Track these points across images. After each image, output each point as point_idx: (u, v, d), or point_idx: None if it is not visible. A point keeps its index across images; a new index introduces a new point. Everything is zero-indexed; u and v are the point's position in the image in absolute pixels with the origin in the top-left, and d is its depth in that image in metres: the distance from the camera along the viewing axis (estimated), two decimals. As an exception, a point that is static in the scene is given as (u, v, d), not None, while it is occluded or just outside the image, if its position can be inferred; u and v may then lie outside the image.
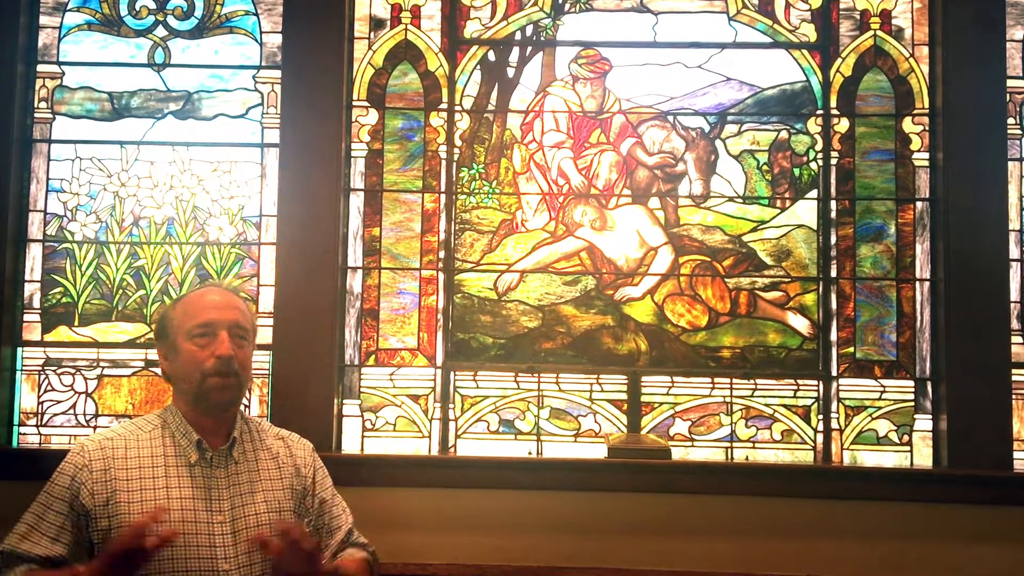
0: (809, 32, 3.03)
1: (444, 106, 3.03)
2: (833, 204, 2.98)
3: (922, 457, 2.90)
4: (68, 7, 3.08)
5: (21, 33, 3.02)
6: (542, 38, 3.07)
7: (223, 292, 2.14)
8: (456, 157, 3.02)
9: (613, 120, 3.05)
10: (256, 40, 3.07)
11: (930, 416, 2.91)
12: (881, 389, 2.93)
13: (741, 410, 2.94)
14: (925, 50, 3.01)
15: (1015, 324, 2.91)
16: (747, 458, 2.92)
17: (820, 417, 2.92)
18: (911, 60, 3.00)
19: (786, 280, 2.98)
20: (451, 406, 2.95)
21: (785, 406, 2.94)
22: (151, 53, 3.07)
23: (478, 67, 3.05)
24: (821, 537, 2.77)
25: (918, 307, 2.94)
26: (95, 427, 2.93)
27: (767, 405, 2.94)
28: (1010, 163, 2.93)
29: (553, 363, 2.96)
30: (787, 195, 3.01)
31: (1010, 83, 2.95)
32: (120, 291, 2.99)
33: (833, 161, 2.99)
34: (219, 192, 3.02)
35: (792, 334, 2.97)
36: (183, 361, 2.02)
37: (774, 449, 2.93)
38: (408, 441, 2.94)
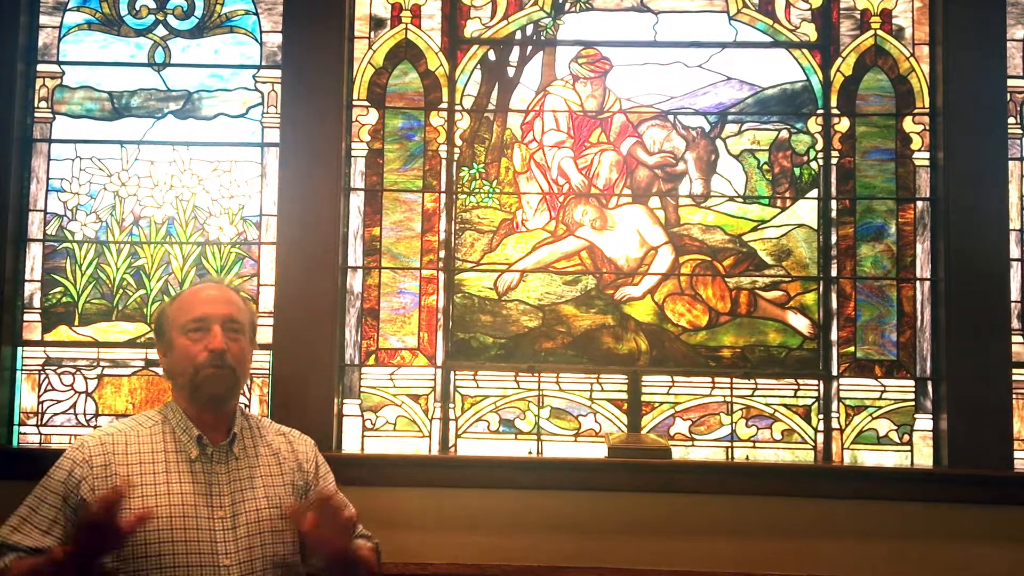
0: (809, 31, 3.03)
1: (444, 106, 3.03)
2: (833, 203, 2.98)
3: (922, 457, 2.90)
4: (68, 7, 3.08)
5: (21, 32, 3.02)
6: (542, 37, 3.07)
7: (219, 287, 2.15)
8: (456, 157, 3.02)
9: (613, 119, 3.05)
10: (256, 40, 3.07)
11: (930, 416, 2.91)
12: (881, 389, 2.93)
13: (741, 410, 2.94)
14: (925, 49, 3.00)
15: (1015, 324, 2.90)
16: (747, 458, 2.92)
17: (820, 417, 2.92)
18: (911, 59, 3.00)
19: (786, 280, 2.98)
20: (451, 406, 2.95)
21: (785, 406, 2.94)
22: (151, 53, 3.07)
23: (478, 66, 3.05)
24: (821, 537, 2.77)
25: (918, 307, 2.94)
26: (95, 427, 2.92)
27: (767, 405, 2.94)
28: (1010, 162, 2.93)
29: (553, 363, 2.96)
30: (787, 195, 3.01)
31: (1010, 82, 2.95)
32: (120, 291, 2.99)
33: (833, 160, 2.99)
34: (219, 192, 3.02)
35: (792, 334, 2.97)
36: (178, 356, 2.03)
37: (774, 449, 2.93)
38: (408, 441, 2.94)
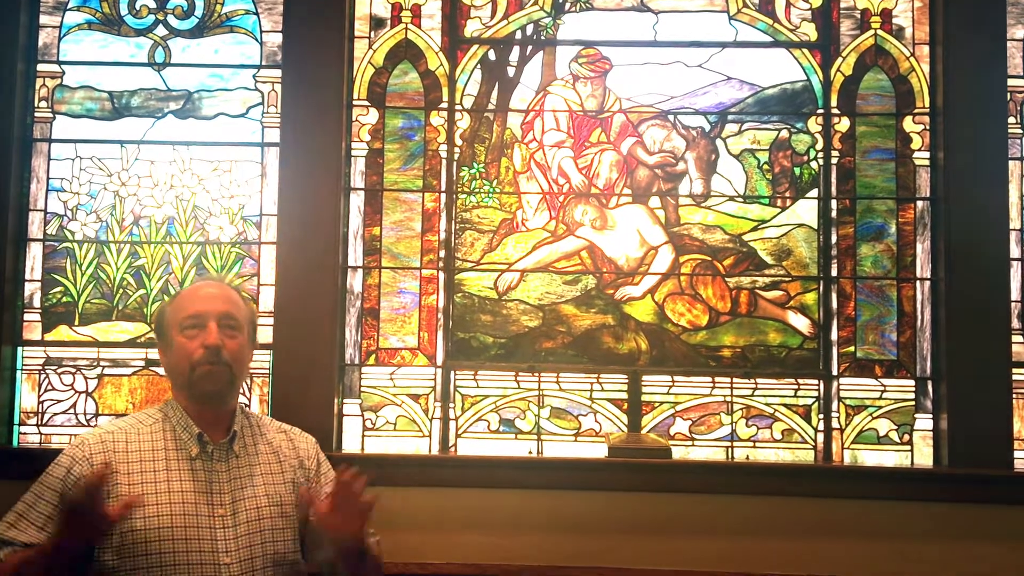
0: (810, 31, 3.03)
1: (444, 105, 3.03)
2: (834, 203, 2.98)
3: (923, 456, 2.90)
4: (68, 6, 3.07)
5: (21, 32, 3.02)
6: (542, 37, 3.07)
7: (218, 285, 2.16)
8: (456, 156, 3.02)
9: (613, 119, 3.05)
10: (256, 39, 3.07)
11: (931, 415, 2.91)
12: (882, 388, 2.93)
13: (741, 409, 2.94)
14: (926, 49, 3.00)
15: (1016, 323, 2.90)
16: (748, 457, 2.92)
17: (821, 416, 2.92)
18: (912, 59, 3.00)
19: (787, 279, 2.98)
20: (451, 405, 2.95)
21: (786, 405, 2.93)
22: (151, 52, 3.07)
23: (478, 66, 3.05)
24: (821, 536, 2.76)
25: (919, 306, 2.94)
26: (95, 427, 2.92)
27: (768, 404, 2.94)
28: (1011, 162, 2.93)
29: (553, 362, 2.96)
30: (788, 194, 3.01)
31: (1011, 82, 2.94)
32: (120, 290, 2.99)
33: (834, 160, 2.99)
34: (219, 191, 3.02)
35: (792, 333, 2.96)
36: (175, 354, 2.03)
37: (775, 448, 2.93)
38: (408, 440, 2.94)
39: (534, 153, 3.03)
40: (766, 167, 3.01)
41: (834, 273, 2.96)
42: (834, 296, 2.95)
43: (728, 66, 3.04)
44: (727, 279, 2.98)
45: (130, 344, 2.97)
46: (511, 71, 3.07)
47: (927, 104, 2.98)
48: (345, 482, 1.91)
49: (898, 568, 2.74)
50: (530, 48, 3.07)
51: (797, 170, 3.01)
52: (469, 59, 3.05)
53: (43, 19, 3.06)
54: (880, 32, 3.01)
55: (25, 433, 2.96)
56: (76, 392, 2.96)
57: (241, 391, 2.30)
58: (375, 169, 3.02)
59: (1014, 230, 2.92)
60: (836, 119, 2.99)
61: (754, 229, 3.00)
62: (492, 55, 3.07)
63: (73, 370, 2.97)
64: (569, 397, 2.95)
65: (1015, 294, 2.90)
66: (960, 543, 2.74)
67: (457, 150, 3.02)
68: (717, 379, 2.94)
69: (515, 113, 3.04)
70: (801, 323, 2.96)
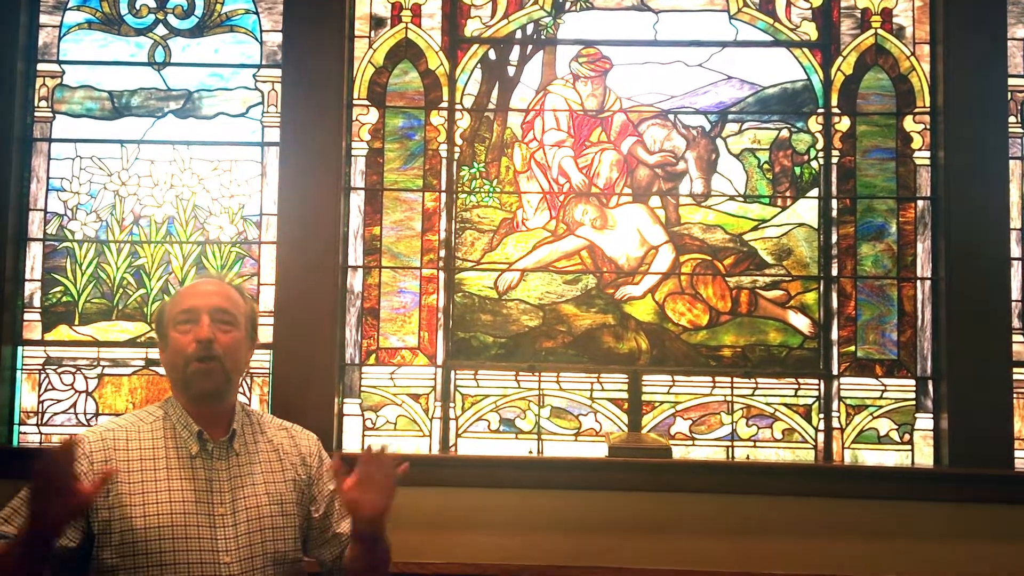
0: (810, 30, 3.03)
1: (445, 105, 3.03)
2: (834, 203, 2.98)
3: (923, 456, 2.90)
4: (68, 6, 3.07)
5: (21, 32, 3.02)
6: (543, 36, 3.07)
7: (215, 282, 2.15)
8: (457, 156, 3.02)
9: (614, 119, 3.05)
10: (256, 39, 3.07)
11: (931, 415, 2.91)
12: (882, 388, 2.93)
13: (742, 409, 2.93)
14: (926, 48, 3.00)
15: (1016, 323, 2.90)
16: (748, 457, 2.92)
17: (821, 416, 2.92)
18: (912, 59, 3.00)
19: (787, 279, 2.98)
20: (452, 405, 2.95)
21: (786, 405, 2.93)
22: (151, 52, 3.07)
23: (479, 66, 3.05)
24: (822, 536, 2.76)
25: (919, 306, 2.94)
26: (95, 425, 2.92)
27: (768, 404, 2.93)
28: (1011, 161, 2.93)
29: (554, 362, 2.96)
30: (788, 194, 3.00)
31: (1011, 81, 2.94)
32: (120, 290, 2.99)
33: (834, 160, 2.99)
34: (219, 191, 3.02)
35: (793, 333, 2.96)
36: (171, 351, 2.03)
37: (775, 448, 2.93)
38: (409, 440, 2.94)
39: (534, 152, 3.03)
40: (766, 166, 3.01)
41: (834, 273, 2.96)
42: (834, 296, 2.95)
43: (728, 65, 3.04)
44: (727, 279, 2.98)
45: (130, 344, 2.97)
46: (511, 70, 3.07)
47: (927, 104, 2.98)
48: (373, 456, 1.90)
49: (899, 567, 2.74)
50: (530, 47, 3.07)
51: (797, 169, 3.01)
52: (469, 58, 3.05)
53: (43, 19, 3.07)
54: (880, 31, 3.01)
55: (25, 433, 2.96)
56: (76, 392, 2.96)
57: (240, 389, 2.30)
58: (375, 169, 3.02)
59: (1014, 230, 2.92)
60: (836, 118, 2.99)
61: (754, 229, 2.99)
62: (492, 54, 3.06)
63: (73, 370, 2.97)
64: (569, 397, 2.95)
65: (1015, 294, 2.90)
66: (960, 543, 2.74)
67: (457, 150, 3.02)
68: (717, 379, 2.94)
69: (515, 112, 3.04)
70: (801, 323, 2.96)
